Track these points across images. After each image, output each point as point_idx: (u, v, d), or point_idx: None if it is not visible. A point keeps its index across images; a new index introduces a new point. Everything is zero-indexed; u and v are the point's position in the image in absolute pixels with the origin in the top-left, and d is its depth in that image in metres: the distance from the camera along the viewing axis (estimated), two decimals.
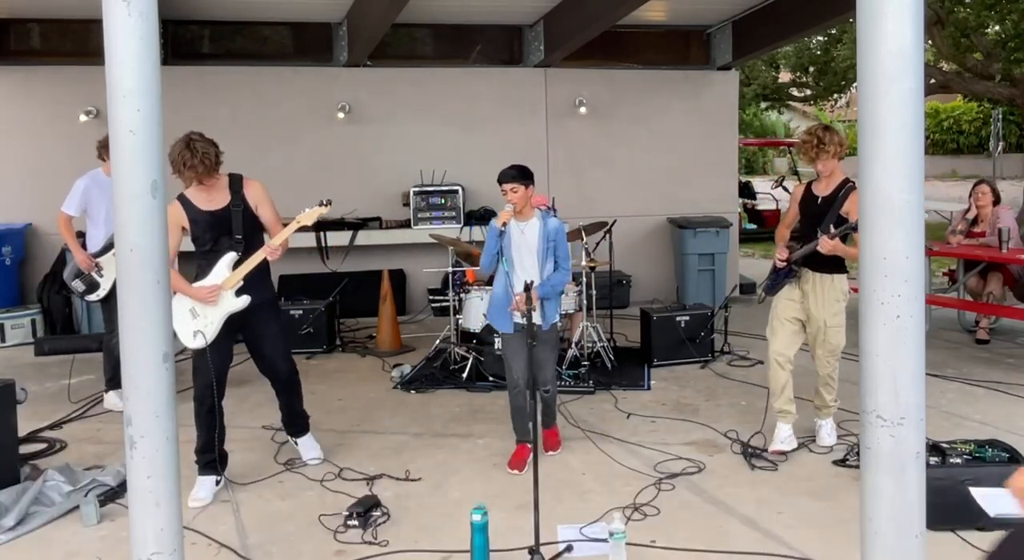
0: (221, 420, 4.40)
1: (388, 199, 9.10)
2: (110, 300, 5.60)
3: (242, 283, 4.35)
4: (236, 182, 4.48)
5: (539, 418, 4.36)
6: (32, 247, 8.64)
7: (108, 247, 5.52)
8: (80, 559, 3.65)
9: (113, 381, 5.76)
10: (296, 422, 4.83)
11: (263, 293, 4.47)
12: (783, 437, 4.75)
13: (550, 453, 4.79)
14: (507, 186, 4.51)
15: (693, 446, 4.90)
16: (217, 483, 4.39)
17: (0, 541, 3.77)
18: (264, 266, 4.43)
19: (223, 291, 4.31)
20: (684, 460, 4.65)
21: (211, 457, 4.37)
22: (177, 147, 4.21)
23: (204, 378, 4.30)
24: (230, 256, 4.36)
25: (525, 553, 3.45)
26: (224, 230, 4.37)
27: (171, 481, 2.69)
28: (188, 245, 4.55)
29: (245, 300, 4.35)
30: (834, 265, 4.63)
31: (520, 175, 4.50)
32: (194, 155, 4.19)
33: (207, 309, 4.32)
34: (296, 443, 4.84)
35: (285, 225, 4.46)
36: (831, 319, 4.65)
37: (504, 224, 4.48)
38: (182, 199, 4.40)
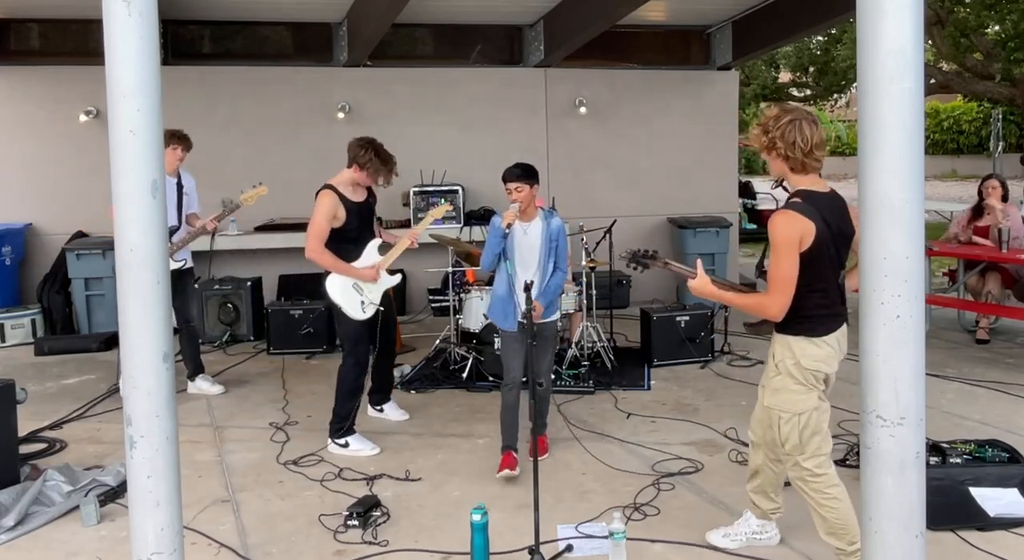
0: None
1: (388, 199, 9.07)
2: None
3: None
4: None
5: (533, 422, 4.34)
6: (32, 247, 8.64)
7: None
8: (80, 559, 3.65)
9: (196, 366, 6.24)
10: (385, 389, 5.53)
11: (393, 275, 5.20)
12: (740, 532, 3.66)
13: (541, 458, 4.62)
14: (512, 185, 4.45)
15: (693, 446, 4.90)
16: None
17: (0, 541, 3.77)
18: None
19: (382, 270, 4.97)
20: (684, 460, 4.65)
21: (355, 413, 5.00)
22: (370, 145, 4.93)
23: (368, 344, 4.98)
24: (376, 241, 5.07)
25: (525, 553, 3.45)
26: (366, 221, 5.06)
27: (171, 481, 2.69)
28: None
29: (397, 279, 5.12)
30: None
31: (525, 174, 4.45)
32: (382, 154, 4.94)
33: (370, 285, 4.93)
34: (382, 411, 5.50)
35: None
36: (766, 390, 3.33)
37: (509, 225, 4.40)
38: (335, 191, 4.91)
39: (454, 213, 8.87)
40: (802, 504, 3.99)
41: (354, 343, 4.95)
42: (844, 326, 3.23)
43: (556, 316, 4.75)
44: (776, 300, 3.09)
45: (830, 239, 3.10)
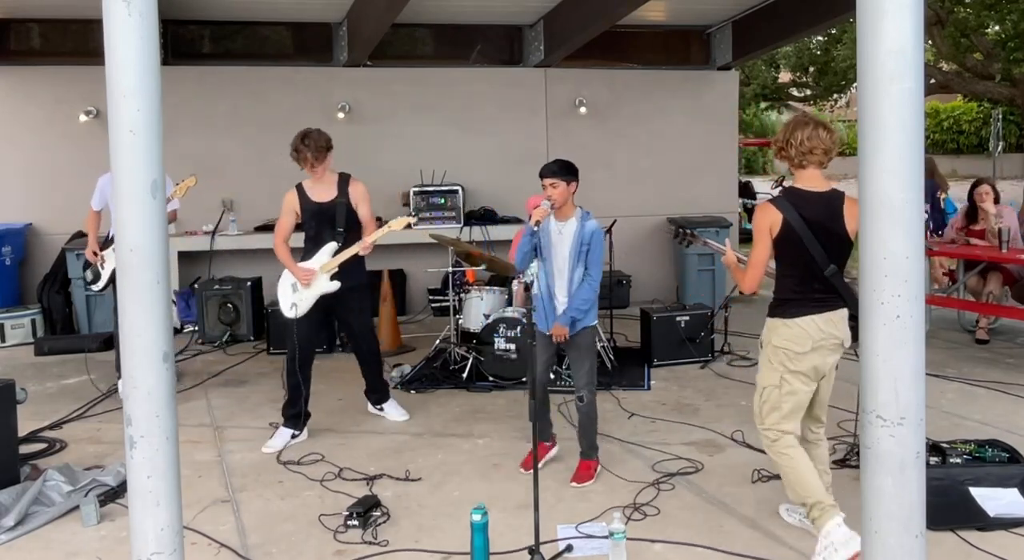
0: (307, 383, 5.05)
1: (388, 199, 9.09)
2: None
3: (337, 269, 4.93)
4: (344, 180, 5.03)
5: (537, 423, 4.29)
6: (32, 247, 8.64)
7: (110, 241, 5.76)
8: (80, 559, 3.65)
9: None
10: (378, 389, 5.45)
11: (356, 278, 5.05)
12: (799, 510, 3.79)
13: (573, 484, 4.34)
14: (547, 181, 4.27)
15: (693, 446, 4.90)
16: (293, 437, 5.00)
17: (0, 541, 3.77)
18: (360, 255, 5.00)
19: (319, 274, 4.93)
20: (684, 460, 4.64)
21: (293, 411, 5.03)
22: (297, 135, 4.93)
23: (292, 342, 4.97)
24: (331, 245, 4.94)
25: (525, 553, 3.45)
26: (327, 221, 4.95)
27: (171, 481, 2.69)
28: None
29: (335, 285, 4.94)
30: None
31: (561, 170, 4.28)
32: (305, 139, 4.86)
33: (303, 287, 4.94)
34: (382, 410, 5.47)
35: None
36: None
37: (537, 223, 4.21)
38: (299, 188, 5.07)
39: (453, 214, 8.85)
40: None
41: (290, 336, 5.03)
42: (830, 314, 3.50)
43: (593, 322, 4.42)
44: (747, 277, 3.63)
45: (806, 231, 3.46)
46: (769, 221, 3.50)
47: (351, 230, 5.00)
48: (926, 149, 2.69)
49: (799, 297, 3.51)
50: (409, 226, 5.06)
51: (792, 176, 3.67)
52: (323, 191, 4.98)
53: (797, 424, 3.59)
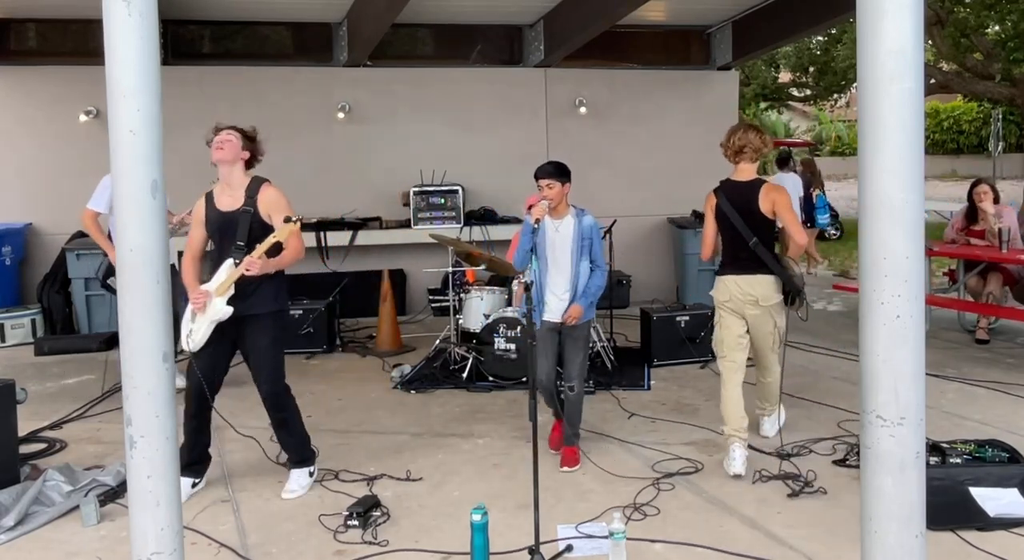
0: (207, 426, 4.28)
1: (388, 199, 9.09)
2: None
3: (233, 292, 4.10)
4: (253, 185, 4.22)
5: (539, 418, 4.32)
6: (32, 247, 8.64)
7: None
8: (80, 559, 3.65)
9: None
10: (287, 449, 4.41)
11: (263, 304, 4.17)
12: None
13: (564, 469, 4.54)
14: (543, 182, 4.51)
15: (693, 446, 4.90)
16: (193, 486, 4.23)
17: (0, 541, 3.77)
18: (271, 275, 4.14)
19: (214, 298, 4.10)
20: (684, 460, 4.64)
21: (191, 458, 4.20)
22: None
23: (191, 381, 4.17)
24: (228, 262, 4.12)
25: (525, 553, 3.45)
26: (230, 233, 4.13)
27: (171, 481, 2.69)
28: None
29: (228, 311, 4.09)
30: None
31: (556, 171, 4.53)
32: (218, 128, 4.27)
33: (200, 314, 4.12)
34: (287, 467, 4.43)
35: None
36: None
37: (538, 221, 4.45)
38: (207, 195, 4.27)
39: (453, 213, 8.85)
40: (800, 505, 4.00)
41: (188, 372, 4.23)
42: (750, 276, 4.50)
43: (592, 317, 4.75)
44: (702, 248, 4.78)
45: (733, 212, 4.50)
46: (710, 205, 4.65)
47: (258, 244, 4.07)
48: (927, 149, 2.71)
49: (728, 262, 4.61)
50: (290, 219, 4.05)
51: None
52: (230, 198, 4.16)
53: (736, 354, 4.59)
